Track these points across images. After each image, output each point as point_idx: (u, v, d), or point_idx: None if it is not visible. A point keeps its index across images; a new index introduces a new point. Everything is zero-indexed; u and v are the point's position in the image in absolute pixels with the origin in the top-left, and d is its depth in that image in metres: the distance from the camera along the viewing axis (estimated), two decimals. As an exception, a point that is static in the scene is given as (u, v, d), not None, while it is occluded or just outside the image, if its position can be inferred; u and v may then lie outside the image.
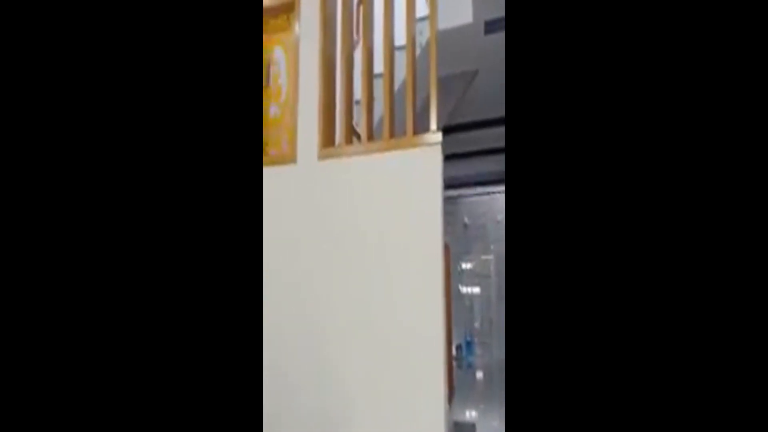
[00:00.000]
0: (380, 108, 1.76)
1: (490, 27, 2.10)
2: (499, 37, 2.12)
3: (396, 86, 1.76)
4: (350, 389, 1.60)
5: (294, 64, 1.95)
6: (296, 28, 1.97)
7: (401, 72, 1.74)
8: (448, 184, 1.52)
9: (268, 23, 2.10)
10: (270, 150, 2.04)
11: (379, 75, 1.76)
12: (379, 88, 1.74)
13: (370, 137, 1.75)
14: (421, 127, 1.60)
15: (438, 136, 1.53)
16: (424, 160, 1.54)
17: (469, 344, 5.11)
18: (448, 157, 1.52)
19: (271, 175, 1.95)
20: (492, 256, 5.13)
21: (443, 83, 1.57)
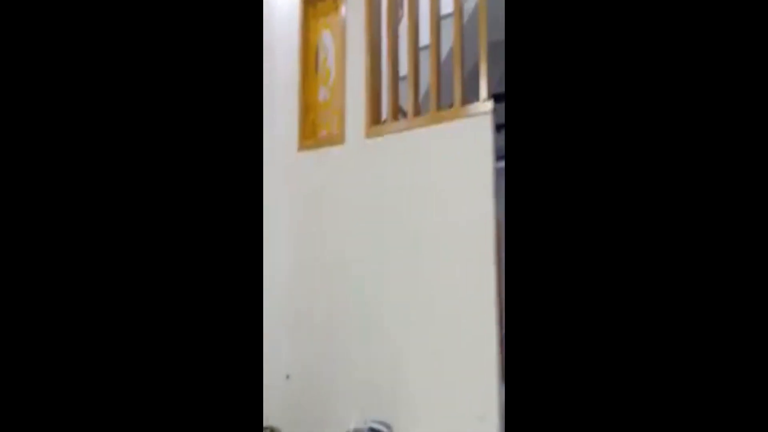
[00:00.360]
0: (426, 82, 1.67)
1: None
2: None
3: (442, 57, 1.66)
4: (403, 365, 1.56)
5: (341, 46, 1.90)
6: (342, 9, 1.92)
7: (447, 43, 1.64)
8: (501, 155, 1.41)
9: (316, 7, 2.07)
10: (320, 132, 2.02)
11: (425, 47, 1.68)
12: (426, 60, 1.66)
13: (417, 112, 1.67)
14: (470, 96, 1.50)
15: (488, 105, 1.43)
16: (473, 130, 1.44)
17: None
18: (500, 127, 1.41)
19: (320, 156, 1.93)
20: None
21: (492, 49, 1.45)
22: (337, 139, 1.88)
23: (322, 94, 2.05)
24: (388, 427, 1.48)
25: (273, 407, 1.85)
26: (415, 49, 1.69)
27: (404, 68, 1.74)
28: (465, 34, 1.54)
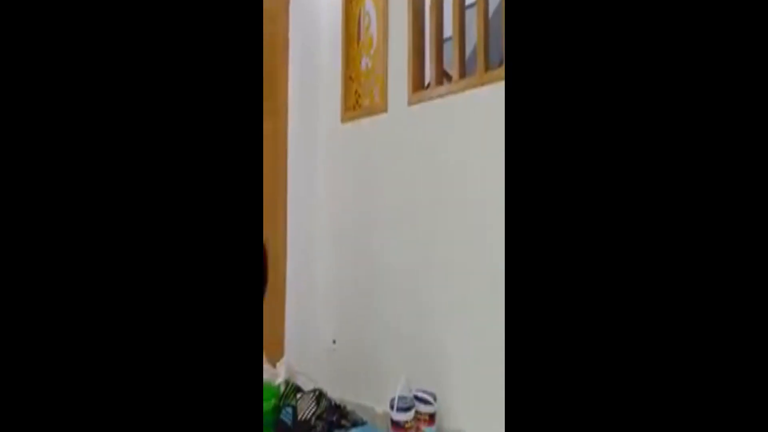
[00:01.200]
0: (472, 43, 1.52)
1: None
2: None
3: (490, 14, 1.50)
4: (448, 336, 1.49)
5: (384, 11, 1.77)
6: (384, -26, 1.78)
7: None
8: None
9: (358, -24, 1.94)
10: (363, 102, 1.92)
11: (471, 5, 1.52)
12: (472, 20, 1.50)
13: (462, 74, 1.53)
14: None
15: (540, 62, 1.27)
16: (523, 90, 1.29)
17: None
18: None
19: (363, 127, 1.84)
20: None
21: None
22: (380, 107, 1.78)
23: (365, 63, 1.94)
24: (433, 396, 1.43)
25: (320, 371, 1.85)
26: (461, 6, 1.54)
27: (448, 30, 1.59)
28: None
